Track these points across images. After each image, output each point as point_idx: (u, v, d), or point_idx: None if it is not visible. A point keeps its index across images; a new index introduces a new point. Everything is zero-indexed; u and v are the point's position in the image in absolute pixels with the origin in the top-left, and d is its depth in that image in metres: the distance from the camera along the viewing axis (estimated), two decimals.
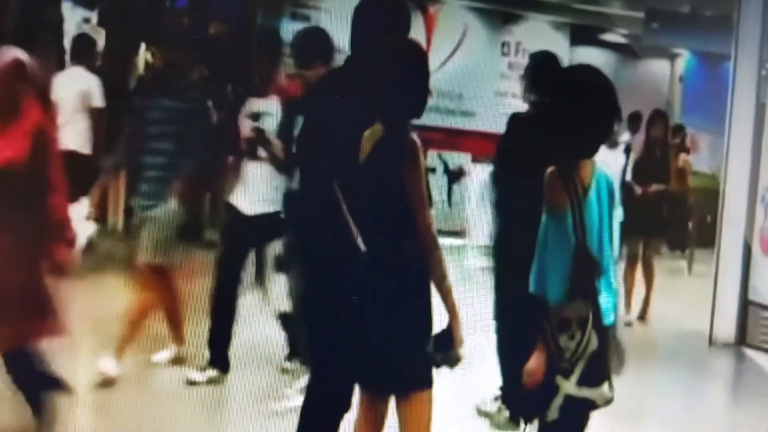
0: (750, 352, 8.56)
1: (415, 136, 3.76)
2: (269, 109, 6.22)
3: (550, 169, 3.57)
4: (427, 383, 3.82)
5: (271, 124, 6.11)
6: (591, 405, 3.58)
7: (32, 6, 10.57)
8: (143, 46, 12.07)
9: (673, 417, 6.67)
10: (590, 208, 3.56)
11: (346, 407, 4.11)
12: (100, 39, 11.33)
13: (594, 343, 3.50)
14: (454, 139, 15.21)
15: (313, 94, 4.46)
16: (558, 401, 3.55)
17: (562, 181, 3.53)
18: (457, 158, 15.20)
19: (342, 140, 3.88)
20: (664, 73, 18.19)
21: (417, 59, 3.89)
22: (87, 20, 11.79)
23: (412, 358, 3.75)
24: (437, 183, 14.62)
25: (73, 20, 11.57)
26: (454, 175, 15.16)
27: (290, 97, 6.06)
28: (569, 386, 3.53)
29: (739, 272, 8.74)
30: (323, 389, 4.22)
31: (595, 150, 3.64)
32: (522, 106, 5.97)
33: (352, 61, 4.24)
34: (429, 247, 3.72)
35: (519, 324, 3.79)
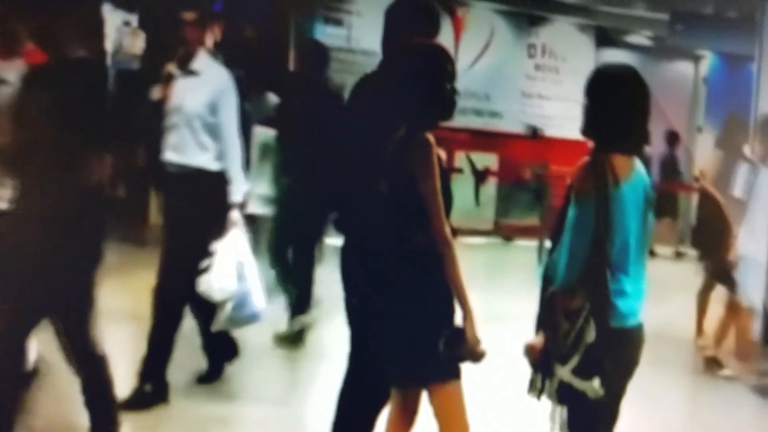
0: None
1: (429, 135, 3.78)
2: (9, 76, 4.90)
3: (584, 159, 3.61)
4: (454, 374, 3.84)
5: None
6: (582, 397, 3.57)
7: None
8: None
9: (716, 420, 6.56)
10: (620, 203, 3.56)
11: (384, 401, 4.13)
12: (140, 42, 11.53)
13: (591, 336, 3.51)
14: (481, 139, 15.39)
15: (350, 97, 4.48)
16: (553, 385, 3.60)
17: (592, 170, 3.55)
18: (484, 159, 15.37)
19: (375, 141, 3.92)
20: (688, 75, 18.27)
21: (440, 63, 3.91)
22: (127, 23, 11.96)
23: (433, 350, 3.74)
24: (465, 183, 14.80)
25: (114, 23, 11.75)
26: (481, 176, 15.34)
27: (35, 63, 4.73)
28: (563, 372, 3.57)
29: None
30: (359, 384, 4.25)
31: (634, 148, 3.69)
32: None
33: (385, 64, 4.30)
34: (442, 246, 3.74)
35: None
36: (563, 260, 3.57)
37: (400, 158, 3.79)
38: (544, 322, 3.66)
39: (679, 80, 17.91)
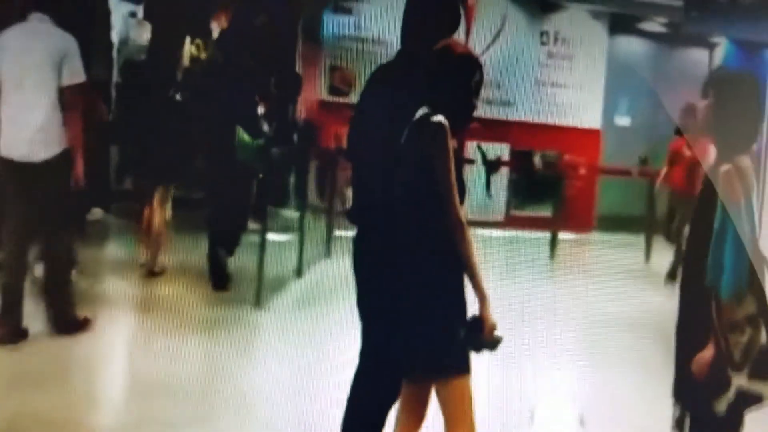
0: None
1: (443, 118, 3.80)
2: None
3: (726, 167, 3.64)
4: (464, 369, 3.86)
5: None
6: (757, 400, 3.66)
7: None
8: (188, 39, 12.27)
9: None
10: (755, 201, 3.66)
11: (395, 397, 4.14)
12: (146, 33, 11.54)
13: (764, 338, 3.60)
14: (492, 129, 15.27)
15: (366, 85, 4.48)
16: (729, 395, 3.64)
17: (738, 176, 3.61)
18: (496, 149, 15.25)
19: (389, 129, 3.95)
20: (702, 62, 18.13)
21: (473, 76, 3.93)
22: (133, 14, 11.97)
23: (447, 343, 3.78)
24: (477, 173, 14.70)
25: (120, 14, 11.77)
26: (493, 166, 15.23)
27: None
28: (741, 379, 3.62)
29: None
30: (370, 380, 4.27)
31: (748, 147, 3.77)
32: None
33: (403, 54, 4.30)
34: (457, 232, 3.76)
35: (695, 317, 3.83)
36: (730, 268, 3.57)
37: (415, 144, 3.80)
38: (713, 332, 3.64)
39: (694, 67, 17.76)
